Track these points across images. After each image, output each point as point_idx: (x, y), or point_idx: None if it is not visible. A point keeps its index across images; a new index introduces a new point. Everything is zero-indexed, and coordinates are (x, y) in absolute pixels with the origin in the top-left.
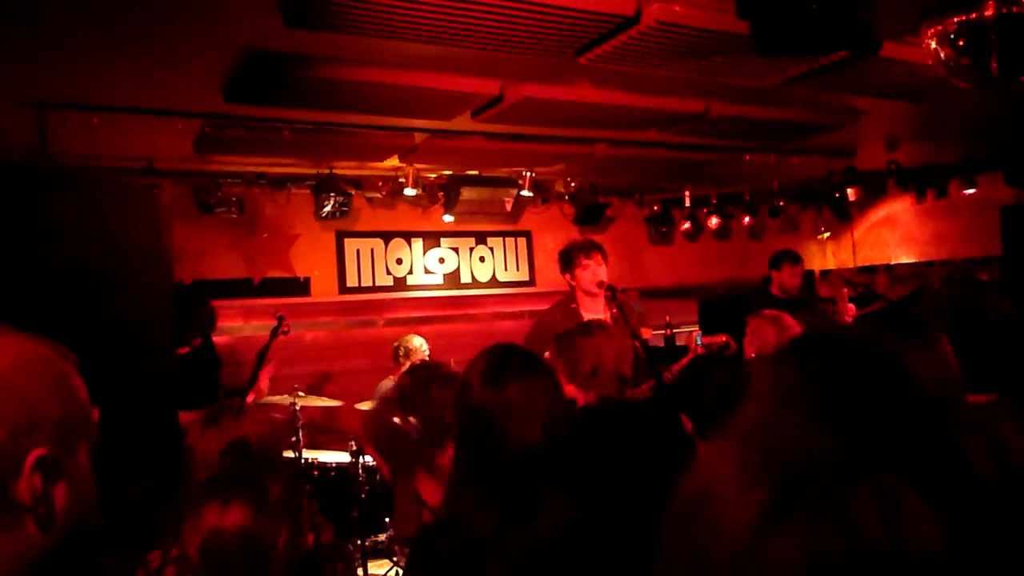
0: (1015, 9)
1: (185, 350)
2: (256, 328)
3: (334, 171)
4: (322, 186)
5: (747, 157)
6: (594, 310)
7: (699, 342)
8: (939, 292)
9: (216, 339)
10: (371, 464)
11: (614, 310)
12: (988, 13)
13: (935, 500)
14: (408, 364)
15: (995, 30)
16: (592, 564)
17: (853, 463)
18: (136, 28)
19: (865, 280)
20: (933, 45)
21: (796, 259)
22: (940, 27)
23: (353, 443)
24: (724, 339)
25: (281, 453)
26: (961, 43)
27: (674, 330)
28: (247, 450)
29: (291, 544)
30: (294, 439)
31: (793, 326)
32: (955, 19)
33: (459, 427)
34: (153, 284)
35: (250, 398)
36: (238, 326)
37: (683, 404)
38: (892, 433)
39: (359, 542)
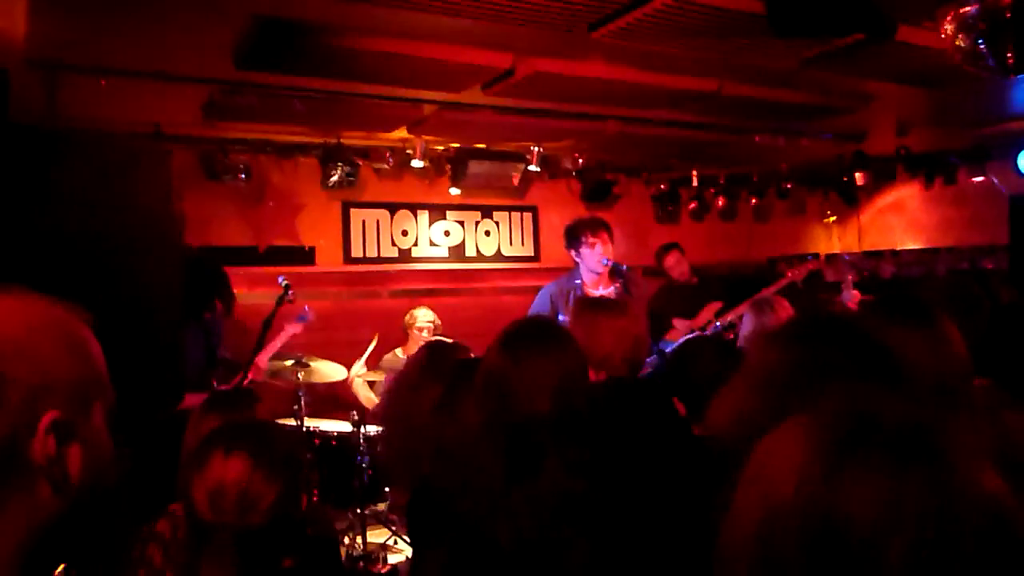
0: None
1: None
2: (260, 296)
3: (342, 141)
4: (329, 155)
5: (756, 138)
6: (597, 286)
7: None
8: (937, 280)
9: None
10: (372, 434)
11: (617, 284)
12: (1005, 0)
13: None
14: (412, 334)
15: (1012, 18)
16: (592, 530)
17: (926, 414)
18: None
19: (871, 265)
20: (949, 31)
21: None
22: (957, 12)
23: (355, 413)
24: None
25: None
26: (977, 30)
27: None
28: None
29: (283, 500)
30: (296, 407)
31: (781, 312)
32: (972, 5)
33: (477, 390)
34: (163, 249)
35: (256, 367)
36: (243, 293)
37: (675, 387)
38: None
39: (359, 511)
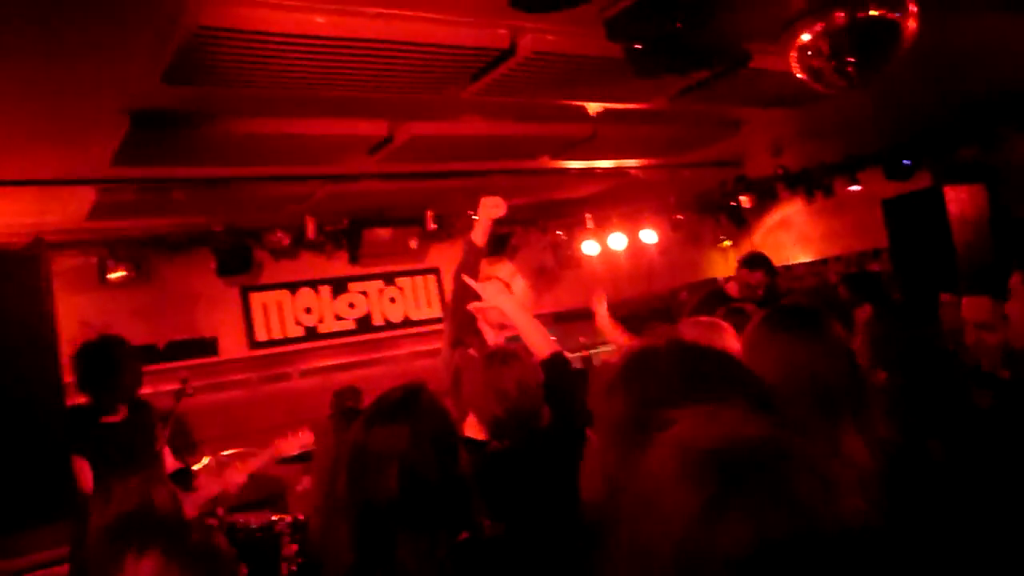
0: (864, 15)
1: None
2: (167, 395)
3: (233, 225)
4: (221, 242)
5: (640, 174)
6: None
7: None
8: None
9: None
10: (297, 521)
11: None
12: (839, 20)
13: None
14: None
15: (847, 36)
16: None
17: (784, 442)
18: (12, 97)
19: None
20: (795, 53)
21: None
22: (799, 35)
23: (279, 500)
24: None
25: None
26: (820, 50)
27: (591, 351)
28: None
29: None
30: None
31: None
32: (812, 27)
33: (341, 463)
34: (37, 357)
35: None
36: (148, 394)
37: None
38: None
39: None
